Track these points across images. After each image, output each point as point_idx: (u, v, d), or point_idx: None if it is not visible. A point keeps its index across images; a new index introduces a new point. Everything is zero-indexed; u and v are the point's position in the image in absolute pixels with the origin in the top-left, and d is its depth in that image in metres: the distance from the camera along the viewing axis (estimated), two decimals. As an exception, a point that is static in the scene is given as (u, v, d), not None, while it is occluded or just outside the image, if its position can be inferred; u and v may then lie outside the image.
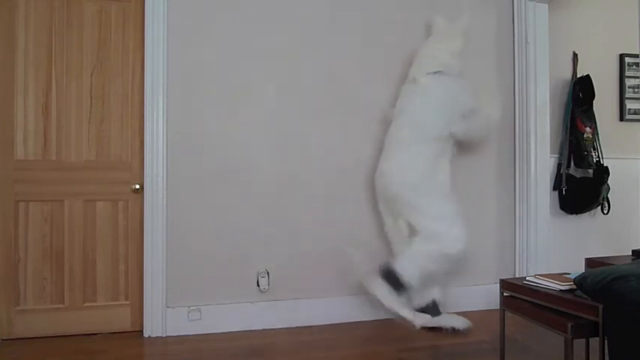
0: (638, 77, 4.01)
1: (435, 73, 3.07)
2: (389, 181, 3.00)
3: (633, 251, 2.61)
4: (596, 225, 3.82)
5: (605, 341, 1.81)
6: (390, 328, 3.07)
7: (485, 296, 3.38)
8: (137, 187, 3.05)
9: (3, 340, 2.89)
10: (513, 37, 3.64)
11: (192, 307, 3.07)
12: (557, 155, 3.77)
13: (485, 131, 3.32)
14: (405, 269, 2.84)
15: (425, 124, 2.99)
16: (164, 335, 3.01)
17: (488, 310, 3.31)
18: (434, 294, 3.08)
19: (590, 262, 2.52)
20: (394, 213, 3.08)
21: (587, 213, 3.81)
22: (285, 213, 3.20)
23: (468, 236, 2.91)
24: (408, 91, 3.13)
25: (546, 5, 3.59)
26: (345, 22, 3.31)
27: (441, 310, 3.09)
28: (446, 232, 2.87)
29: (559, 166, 3.75)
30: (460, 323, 3.02)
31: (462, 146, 3.31)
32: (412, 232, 3.00)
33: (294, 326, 3.15)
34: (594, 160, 3.73)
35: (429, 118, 3.00)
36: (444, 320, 3.03)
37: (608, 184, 3.71)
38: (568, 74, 3.84)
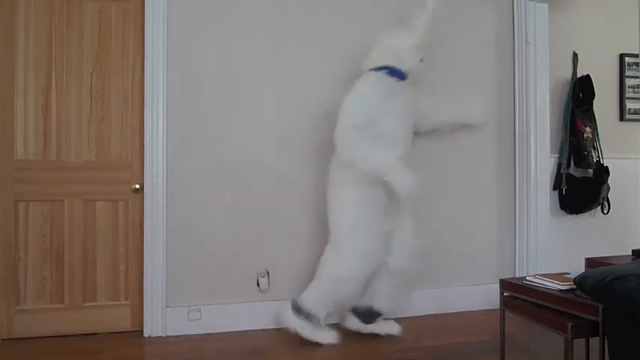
0: (638, 77, 4.01)
1: (378, 69, 2.88)
2: None
3: (633, 251, 2.61)
4: (596, 225, 3.82)
5: (605, 341, 1.81)
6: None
7: (485, 296, 3.37)
8: (137, 186, 3.05)
9: (3, 340, 2.89)
10: (513, 37, 3.64)
11: (192, 307, 3.07)
12: (557, 155, 3.77)
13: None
14: (309, 300, 2.84)
15: None
16: (164, 335, 3.01)
17: (488, 310, 3.31)
18: (373, 301, 2.96)
19: (590, 262, 2.52)
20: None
21: (587, 213, 3.81)
22: (285, 213, 3.19)
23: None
24: None
25: (546, 5, 3.59)
26: (342, 23, 3.30)
27: (380, 319, 3.00)
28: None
29: (559, 166, 3.75)
30: (395, 329, 2.97)
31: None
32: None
33: (294, 326, 3.15)
34: (594, 160, 3.73)
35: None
36: (373, 328, 2.97)
37: (608, 184, 3.71)
38: (568, 74, 3.84)
